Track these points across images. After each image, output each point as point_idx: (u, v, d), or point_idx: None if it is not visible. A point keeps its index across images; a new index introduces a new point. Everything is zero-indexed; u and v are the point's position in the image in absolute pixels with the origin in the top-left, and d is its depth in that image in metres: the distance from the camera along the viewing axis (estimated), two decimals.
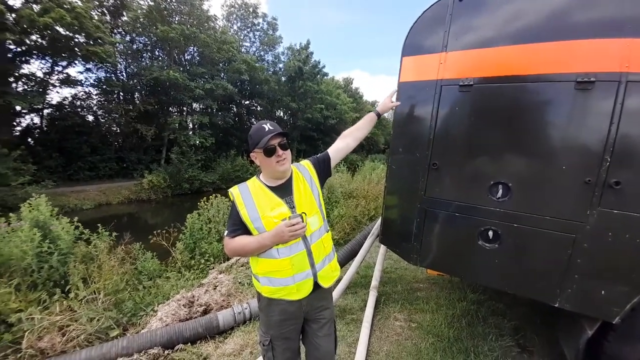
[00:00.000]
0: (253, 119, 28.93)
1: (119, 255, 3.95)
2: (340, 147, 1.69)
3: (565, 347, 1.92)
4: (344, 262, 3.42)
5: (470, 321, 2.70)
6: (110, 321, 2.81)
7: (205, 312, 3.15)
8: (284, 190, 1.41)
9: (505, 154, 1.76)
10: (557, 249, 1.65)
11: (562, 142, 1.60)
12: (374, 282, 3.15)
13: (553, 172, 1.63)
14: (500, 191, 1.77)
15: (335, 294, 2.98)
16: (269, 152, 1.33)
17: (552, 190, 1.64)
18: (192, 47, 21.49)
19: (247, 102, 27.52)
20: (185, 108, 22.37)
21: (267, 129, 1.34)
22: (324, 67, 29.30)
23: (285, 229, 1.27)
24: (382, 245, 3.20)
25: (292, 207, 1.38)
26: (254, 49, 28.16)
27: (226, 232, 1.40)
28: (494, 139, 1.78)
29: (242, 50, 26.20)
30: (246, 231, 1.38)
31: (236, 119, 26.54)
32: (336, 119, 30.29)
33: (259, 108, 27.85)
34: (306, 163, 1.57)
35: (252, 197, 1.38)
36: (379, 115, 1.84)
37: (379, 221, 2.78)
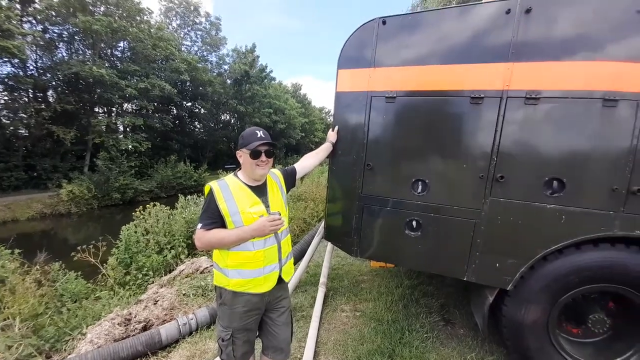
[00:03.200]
0: (196, 122, 27.25)
1: (34, 276, 3.41)
2: (305, 165, 2.05)
3: (476, 314, 2.33)
4: (293, 262, 3.53)
5: (405, 304, 3.05)
6: (31, 348, 2.44)
7: (145, 329, 2.94)
8: (260, 191, 1.57)
9: (423, 155, 2.08)
10: (463, 233, 2.02)
11: (463, 145, 1.98)
12: (322, 278, 3.31)
13: (458, 169, 2.00)
14: (420, 187, 2.09)
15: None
16: (255, 154, 1.49)
17: (457, 185, 2.01)
18: (123, 42, 19.40)
19: (189, 104, 25.84)
20: (114, 108, 20.01)
21: (259, 135, 1.52)
22: (271, 71, 29.22)
23: (267, 223, 1.43)
24: (328, 244, 3.40)
25: (267, 206, 1.54)
26: (196, 49, 26.69)
27: (200, 225, 1.45)
28: (413, 143, 2.09)
29: (183, 49, 24.60)
30: (222, 225, 1.46)
31: (177, 121, 24.69)
32: (285, 124, 30.37)
33: (202, 111, 26.36)
34: (277, 172, 1.77)
35: (231, 193, 1.48)
36: (333, 145, 2.26)
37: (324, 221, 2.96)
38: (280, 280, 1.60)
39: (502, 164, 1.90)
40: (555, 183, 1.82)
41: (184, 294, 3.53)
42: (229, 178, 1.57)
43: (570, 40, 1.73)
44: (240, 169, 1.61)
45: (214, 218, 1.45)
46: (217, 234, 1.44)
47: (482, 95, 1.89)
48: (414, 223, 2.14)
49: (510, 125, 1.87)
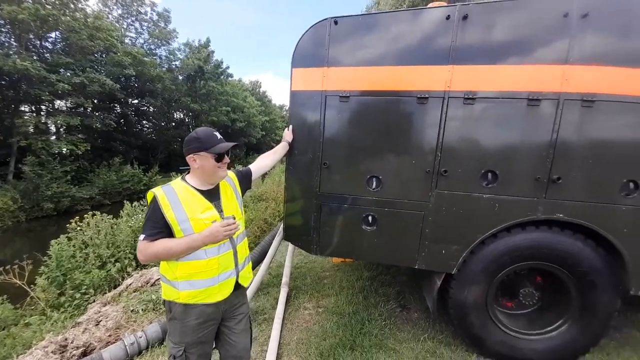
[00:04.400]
0: (144, 121, 25.11)
1: None
2: (261, 165, 1.99)
3: (427, 298, 2.51)
4: (254, 265, 3.44)
5: (365, 295, 3.17)
6: None
7: (85, 355, 2.64)
8: (212, 194, 1.48)
9: (376, 153, 2.17)
10: (413, 224, 2.16)
11: (412, 142, 2.11)
12: (285, 278, 3.29)
13: (407, 165, 2.12)
14: (375, 183, 2.18)
15: (248, 296, 2.99)
16: (220, 157, 1.42)
17: (407, 180, 2.14)
18: (55, 33, 17.03)
19: (136, 101, 23.68)
20: (44, 107, 17.53)
21: (219, 137, 1.45)
22: (228, 67, 28.05)
23: (220, 229, 1.35)
24: (290, 244, 3.38)
25: (220, 210, 1.46)
26: (142, 41, 24.52)
27: (143, 236, 1.32)
28: (367, 141, 2.17)
29: (127, 41, 22.42)
30: (168, 234, 1.35)
31: (121, 120, 22.48)
32: (244, 122, 29.44)
33: (151, 108, 24.35)
34: (231, 174, 1.68)
35: (179, 199, 1.37)
36: (289, 144, 2.25)
37: None
38: (237, 286, 1.53)
39: (446, 159, 2.06)
40: (490, 175, 2.02)
41: (132, 311, 3.24)
42: (176, 183, 1.45)
43: (500, 46, 1.93)
44: (188, 172, 1.50)
45: (159, 227, 1.33)
46: (163, 244, 1.31)
47: (427, 96, 2.03)
48: (370, 218, 2.22)
49: (451, 124, 2.03)
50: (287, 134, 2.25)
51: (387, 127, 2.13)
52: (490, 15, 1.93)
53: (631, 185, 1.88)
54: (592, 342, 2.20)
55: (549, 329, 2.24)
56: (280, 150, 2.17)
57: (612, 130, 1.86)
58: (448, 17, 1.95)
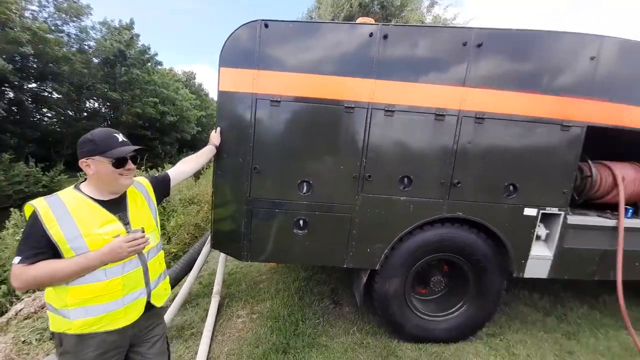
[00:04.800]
0: (45, 110, 20.87)
1: None
2: (182, 170, 1.79)
3: (355, 293, 2.69)
4: (181, 276, 3.19)
5: (301, 296, 3.23)
6: None
7: None
8: (116, 205, 1.29)
9: (307, 158, 2.22)
10: (342, 226, 2.28)
11: (340, 149, 2.22)
12: (216, 287, 3.13)
13: (336, 171, 2.23)
14: (305, 187, 2.24)
15: (172, 311, 2.75)
16: (120, 162, 1.24)
17: (336, 184, 2.25)
18: None
19: (34, 85, 19.45)
20: None
21: (120, 139, 1.27)
22: (156, 54, 25.20)
23: (124, 245, 1.18)
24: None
25: (126, 223, 1.28)
26: (46, 15, 20.23)
27: (18, 259, 1.09)
28: (298, 146, 2.21)
29: (27, 14, 18.20)
30: (53, 255, 1.12)
31: (13, 108, 18.21)
32: (176, 116, 26.81)
33: (55, 95, 20.31)
34: (143, 180, 1.52)
35: (69, 212, 1.16)
36: (216, 148, 2.12)
37: None
38: (149, 307, 1.35)
39: (369, 165, 2.23)
40: (406, 180, 2.26)
41: (23, 342, 2.68)
42: (66, 192, 1.23)
43: (414, 66, 2.17)
44: (84, 180, 1.29)
45: (40, 248, 1.11)
46: (45, 267, 1.09)
47: (353, 106, 2.16)
48: (301, 222, 2.27)
49: (374, 133, 2.20)
50: (215, 137, 2.14)
51: (318, 133, 2.20)
52: (406, 37, 2.15)
53: (511, 188, 2.33)
54: (487, 318, 2.65)
55: (452, 309, 2.63)
56: (206, 153, 2.03)
57: (497, 142, 2.27)
58: (371, 35, 2.11)
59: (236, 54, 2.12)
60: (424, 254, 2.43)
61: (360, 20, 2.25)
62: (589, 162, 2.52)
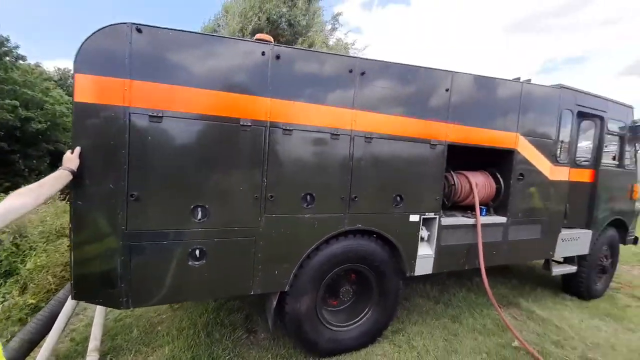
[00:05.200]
0: None
1: None
2: (14, 206, 1.31)
3: (267, 316, 2.56)
4: (39, 337, 2.43)
5: (209, 331, 2.88)
6: None
7: None
8: None
9: (201, 180, 2.00)
10: (245, 250, 2.13)
11: (239, 169, 2.08)
12: (93, 343, 2.49)
13: (236, 192, 2.08)
14: (200, 213, 2.00)
15: None
16: None
17: (237, 206, 2.09)
18: None
19: None
20: None
21: None
22: (17, 47, 19.78)
23: None
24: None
25: None
26: None
27: None
28: (189, 168, 1.96)
29: None
30: None
31: None
32: (46, 123, 21.39)
33: None
34: None
35: None
36: (73, 173, 1.67)
37: None
38: None
39: (271, 185, 2.16)
40: (308, 197, 2.28)
41: None
42: None
43: (309, 87, 2.23)
44: None
45: None
46: None
47: (249, 124, 2.06)
48: (197, 252, 2.01)
49: (273, 152, 2.15)
50: (70, 159, 1.69)
51: (212, 153, 2.01)
52: (298, 60, 2.20)
53: (398, 198, 2.62)
54: (390, 317, 2.88)
55: (361, 316, 2.77)
56: (51, 182, 1.55)
57: (384, 159, 2.52)
58: (263, 54, 2.07)
59: (99, 59, 1.76)
60: (332, 267, 2.49)
61: (257, 36, 2.19)
62: (452, 172, 3.08)
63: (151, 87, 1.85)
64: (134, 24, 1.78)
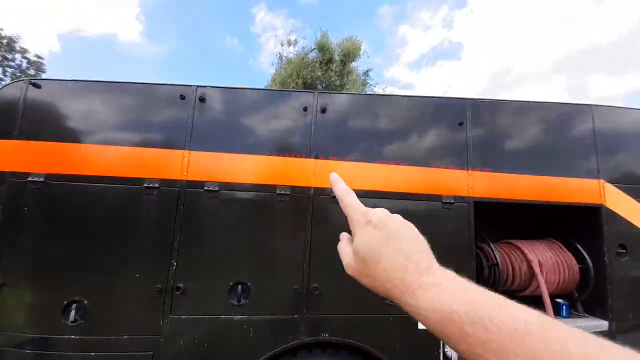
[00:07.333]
0: None
1: None
2: None
3: None
4: None
5: None
6: None
7: None
8: None
9: (79, 263, 1.45)
10: None
11: (134, 246, 1.50)
12: None
13: (128, 281, 1.46)
14: (74, 313, 1.41)
15: None
16: None
17: (128, 303, 1.45)
18: None
19: None
20: None
21: None
22: None
23: None
24: None
25: None
26: None
27: None
28: (62, 247, 1.45)
29: None
30: None
31: None
32: None
33: None
34: None
35: None
36: None
37: None
38: None
39: (182, 270, 1.49)
40: (239, 288, 1.52)
41: None
42: None
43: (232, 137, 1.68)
44: None
45: None
46: None
47: (157, 185, 1.55)
48: None
49: (187, 218, 1.54)
50: None
51: (98, 224, 1.49)
52: (224, 100, 1.71)
53: None
54: None
55: None
56: None
57: None
58: (182, 97, 1.65)
59: None
60: None
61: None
62: (490, 244, 1.94)
63: (37, 146, 1.52)
64: (30, 79, 1.56)
